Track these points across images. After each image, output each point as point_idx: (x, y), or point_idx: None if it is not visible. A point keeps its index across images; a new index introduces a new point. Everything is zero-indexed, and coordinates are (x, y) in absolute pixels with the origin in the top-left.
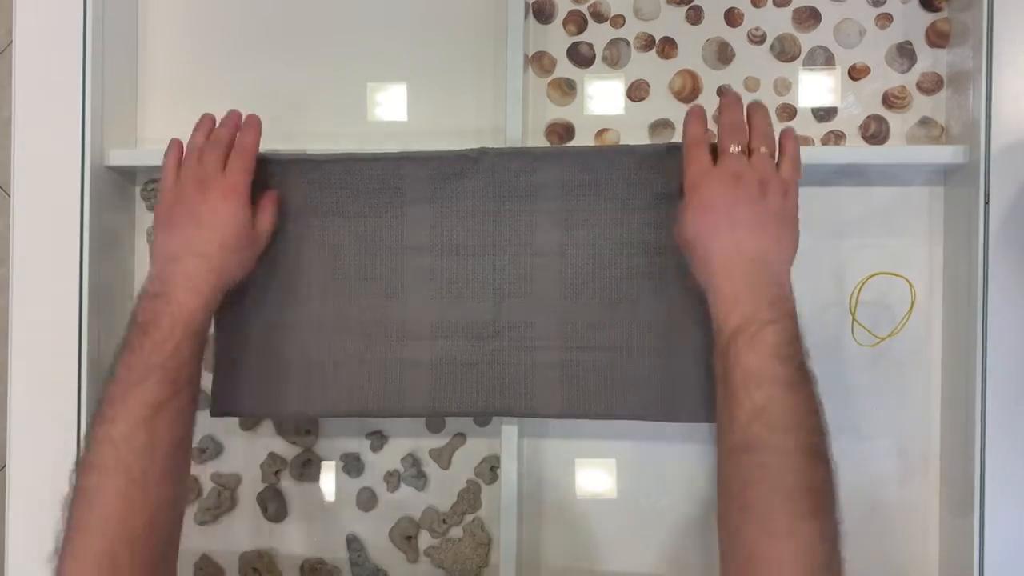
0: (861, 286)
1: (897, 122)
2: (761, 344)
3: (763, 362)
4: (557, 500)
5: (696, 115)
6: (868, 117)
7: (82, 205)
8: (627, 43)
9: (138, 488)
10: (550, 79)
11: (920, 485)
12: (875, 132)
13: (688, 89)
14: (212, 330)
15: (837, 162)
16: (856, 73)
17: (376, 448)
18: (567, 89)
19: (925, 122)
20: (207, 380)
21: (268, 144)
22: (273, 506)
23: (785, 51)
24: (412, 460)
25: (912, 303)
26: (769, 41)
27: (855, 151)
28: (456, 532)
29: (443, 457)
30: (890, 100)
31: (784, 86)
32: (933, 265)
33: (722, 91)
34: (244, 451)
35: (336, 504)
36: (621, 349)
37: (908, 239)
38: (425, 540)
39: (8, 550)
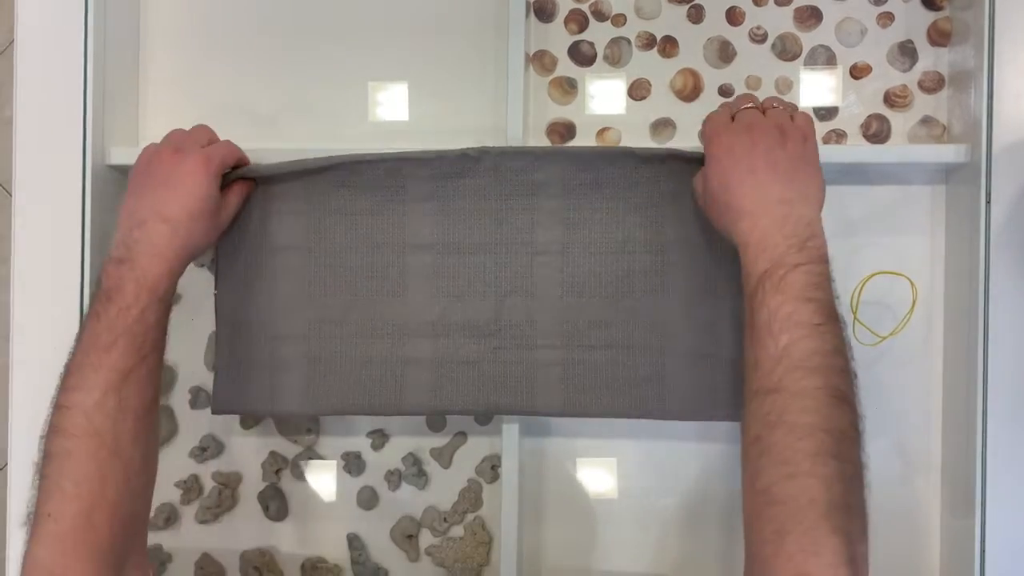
0: (862, 285)
1: (899, 121)
2: (788, 286)
3: (789, 304)
4: (558, 499)
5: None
6: (869, 116)
7: (83, 203)
8: (628, 42)
9: (109, 451)
10: (551, 78)
11: (921, 485)
12: (876, 131)
13: (689, 88)
14: (213, 328)
15: (838, 161)
16: (857, 72)
17: (377, 447)
18: (568, 88)
19: (926, 121)
20: (208, 379)
21: (269, 143)
22: (274, 505)
23: (786, 50)
24: (413, 459)
25: (913, 302)
26: (770, 40)
27: (856, 150)
28: (457, 531)
29: (444, 456)
30: (891, 99)
31: (785, 85)
32: (935, 264)
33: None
34: (245, 450)
35: (337, 503)
36: (622, 347)
37: (910, 238)
38: (426, 539)
39: (9, 550)
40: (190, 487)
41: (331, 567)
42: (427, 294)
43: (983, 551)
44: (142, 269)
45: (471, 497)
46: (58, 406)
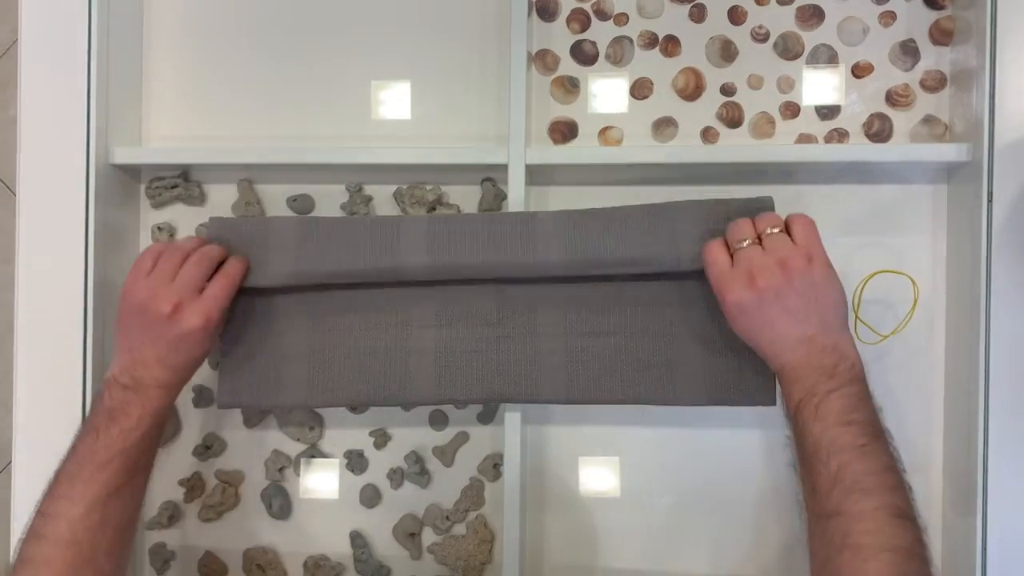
0: (864, 284)
1: (900, 120)
2: (825, 414)
3: (831, 431)
4: (560, 496)
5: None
6: (871, 115)
7: (87, 203)
8: (630, 41)
9: (86, 562)
10: (553, 77)
11: (923, 483)
12: (878, 130)
13: (691, 87)
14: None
15: (840, 160)
16: (859, 71)
17: (380, 445)
18: (570, 87)
19: (928, 120)
20: (211, 377)
21: (271, 142)
22: (277, 503)
23: (788, 49)
24: (416, 457)
25: (915, 301)
26: (772, 39)
27: (858, 149)
28: (459, 529)
29: (446, 454)
30: (893, 98)
31: (787, 84)
32: (936, 263)
33: None
34: (248, 448)
35: (340, 501)
36: (624, 334)
37: (911, 237)
38: (429, 537)
39: (14, 545)
40: (193, 485)
41: (334, 565)
42: (429, 284)
43: (984, 549)
44: (148, 399)
45: (473, 495)
46: (43, 513)
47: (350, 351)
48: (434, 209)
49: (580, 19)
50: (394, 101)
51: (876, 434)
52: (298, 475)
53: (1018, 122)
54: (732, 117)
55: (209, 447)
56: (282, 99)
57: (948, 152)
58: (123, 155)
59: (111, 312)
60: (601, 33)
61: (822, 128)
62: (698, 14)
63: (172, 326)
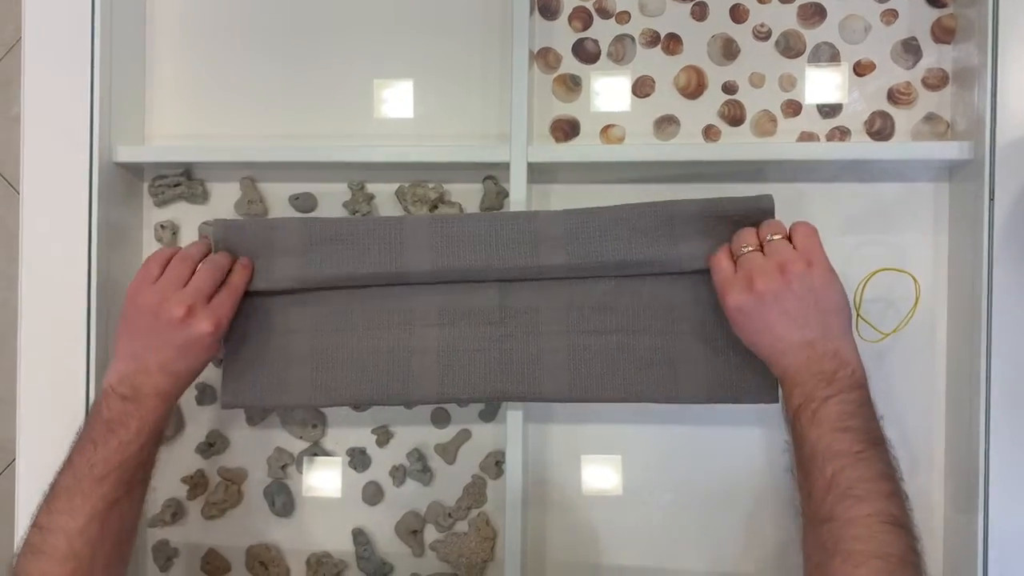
0: (866, 282)
1: (902, 118)
2: (823, 419)
3: (827, 436)
4: (562, 494)
5: (723, 247)
6: (873, 113)
7: (90, 201)
8: (632, 39)
9: (85, 575)
10: (555, 75)
11: (924, 480)
12: (880, 128)
13: (693, 85)
14: None
15: (842, 158)
16: (861, 69)
17: (382, 443)
18: (572, 85)
19: (930, 118)
20: (214, 376)
21: (273, 140)
22: (280, 500)
23: (790, 47)
24: (418, 455)
25: (917, 299)
26: (774, 37)
27: (860, 147)
28: (462, 526)
29: (449, 452)
30: (895, 96)
31: (789, 82)
32: (938, 261)
33: None
34: (251, 445)
35: (342, 498)
36: (627, 332)
37: (913, 235)
38: (431, 534)
39: (18, 543)
40: (196, 482)
41: (336, 562)
42: (432, 284)
43: (986, 546)
44: (147, 409)
45: (475, 493)
46: (40, 526)
47: (353, 351)
48: (436, 207)
49: (582, 17)
50: (396, 99)
51: (873, 441)
52: (301, 473)
53: (1020, 120)
54: (734, 115)
55: (212, 444)
56: (284, 98)
57: (950, 150)
58: (126, 153)
59: (114, 310)
60: (603, 31)
61: (824, 126)
62: (700, 12)
63: (183, 330)
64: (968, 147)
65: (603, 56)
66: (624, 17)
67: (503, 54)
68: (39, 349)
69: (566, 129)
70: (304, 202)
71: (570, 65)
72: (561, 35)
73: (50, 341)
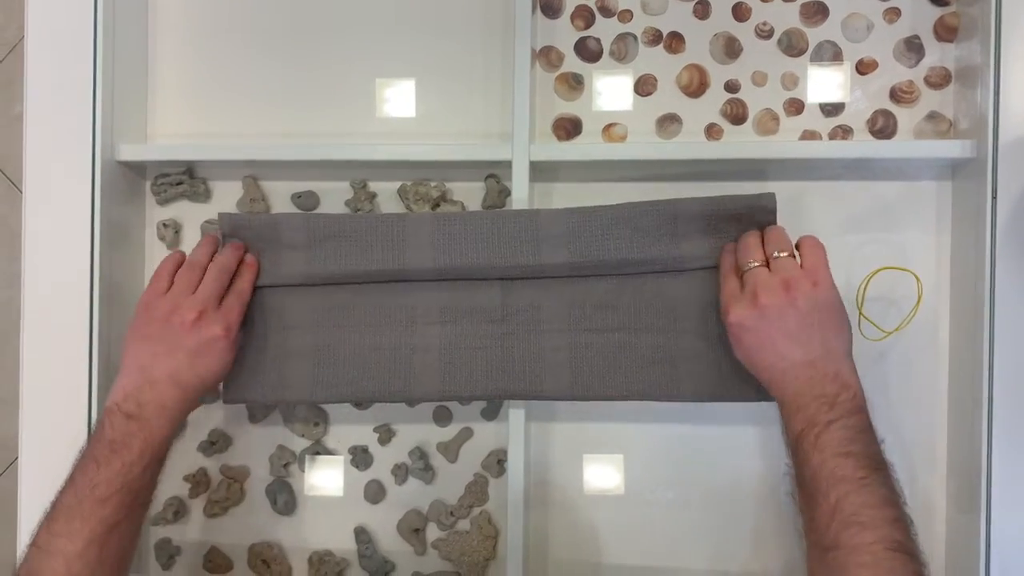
0: (868, 281)
1: (905, 117)
2: (825, 445)
3: (830, 462)
4: (564, 493)
5: (727, 249)
6: (876, 112)
7: (93, 200)
8: (635, 38)
9: None
10: (557, 74)
11: (926, 480)
12: (883, 127)
13: (696, 84)
14: None
15: (845, 157)
16: (864, 68)
17: (384, 441)
18: (574, 84)
19: (933, 117)
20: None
21: (276, 139)
22: (282, 498)
23: (793, 46)
24: (420, 453)
25: (919, 298)
26: (777, 36)
27: (863, 146)
28: (463, 525)
29: (451, 450)
30: (898, 95)
31: (792, 81)
32: (940, 260)
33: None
34: (253, 444)
35: (344, 497)
36: (628, 330)
37: (915, 234)
38: (433, 533)
39: (21, 541)
40: (198, 481)
41: (338, 560)
42: (434, 281)
43: (988, 546)
44: (151, 430)
45: (477, 491)
46: (38, 547)
47: (355, 347)
48: (438, 206)
49: (584, 16)
50: (398, 98)
51: (876, 466)
52: (303, 471)
53: (1022, 119)
54: (736, 114)
55: (214, 443)
56: (286, 96)
57: (952, 149)
58: (129, 152)
59: (117, 309)
60: (605, 30)
61: (826, 125)
62: (702, 11)
63: (195, 334)
64: (971, 145)
65: (605, 55)
66: (626, 16)
67: (505, 53)
68: (41, 348)
69: (568, 127)
70: (306, 200)
71: (572, 64)
72: (563, 34)
73: (52, 340)
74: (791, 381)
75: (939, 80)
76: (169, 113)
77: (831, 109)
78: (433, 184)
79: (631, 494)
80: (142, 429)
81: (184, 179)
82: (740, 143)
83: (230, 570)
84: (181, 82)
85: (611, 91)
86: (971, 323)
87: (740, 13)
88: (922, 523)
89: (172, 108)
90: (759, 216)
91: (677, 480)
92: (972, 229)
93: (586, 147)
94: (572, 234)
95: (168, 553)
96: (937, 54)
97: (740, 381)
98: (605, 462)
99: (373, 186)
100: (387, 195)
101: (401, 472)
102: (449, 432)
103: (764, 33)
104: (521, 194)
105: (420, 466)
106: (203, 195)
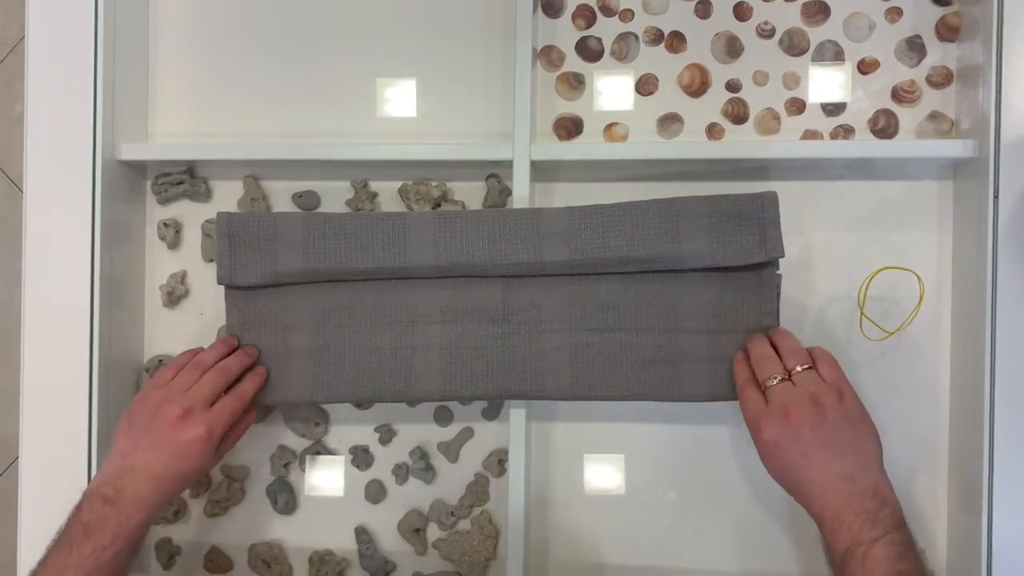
0: (870, 280)
1: (906, 116)
2: (873, 564)
3: None
4: (565, 493)
5: (739, 360)
6: (877, 111)
7: (94, 199)
8: (636, 37)
9: None
10: (558, 73)
11: (928, 480)
12: (884, 126)
13: (697, 83)
14: (223, 322)
15: (846, 156)
16: (865, 67)
17: (385, 441)
18: (575, 83)
19: (934, 116)
20: None
21: (276, 139)
22: (282, 498)
23: (794, 45)
24: (421, 453)
25: (921, 297)
26: (778, 35)
27: (864, 145)
28: (464, 525)
29: (451, 450)
30: (899, 94)
31: (793, 80)
32: (942, 259)
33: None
34: (253, 443)
35: (345, 496)
36: (629, 330)
37: (917, 233)
38: (433, 532)
39: (21, 541)
40: (199, 480)
41: (339, 560)
42: (435, 281)
43: (990, 546)
44: (126, 516)
45: (478, 491)
46: None
47: (355, 347)
48: (439, 205)
49: (585, 15)
50: (399, 98)
51: None
52: (303, 471)
53: None
54: (737, 113)
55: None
56: (287, 96)
57: (954, 148)
58: (129, 151)
59: (118, 307)
60: (606, 29)
61: (827, 124)
62: (703, 10)
63: (176, 431)
64: (972, 145)
65: (606, 54)
66: (627, 15)
67: (506, 52)
68: (42, 347)
69: (569, 127)
70: (307, 200)
71: (573, 63)
72: (564, 33)
73: (53, 339)
74: (831, 497)
75: (941, 80)
76: (170, 112)
77: (832, 109)
78: (434, 184)
79: (632, 494)
80: (117, 514)
81: (185, 178)
82: (741, 143)
83: (230, 570)
84: (182, 81)
85: (612, 91)
86: (973, 323)
87: (741, 12)
88: (923, 523)
89: (173, 107)
90: (757, 215)
91: (678, 480)
92: (974, 229)
93: (587, 147)
94: (573, 232)
95: (168, 553)
96: (939, 54)
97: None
98: (606, 462)
99: (374, 186)
100: (388, 195)
101: (402, 472)
102: (450, 432)
103: (765, 33)
104: (522, 193)
105: (421, 466)
106: (204, 194)
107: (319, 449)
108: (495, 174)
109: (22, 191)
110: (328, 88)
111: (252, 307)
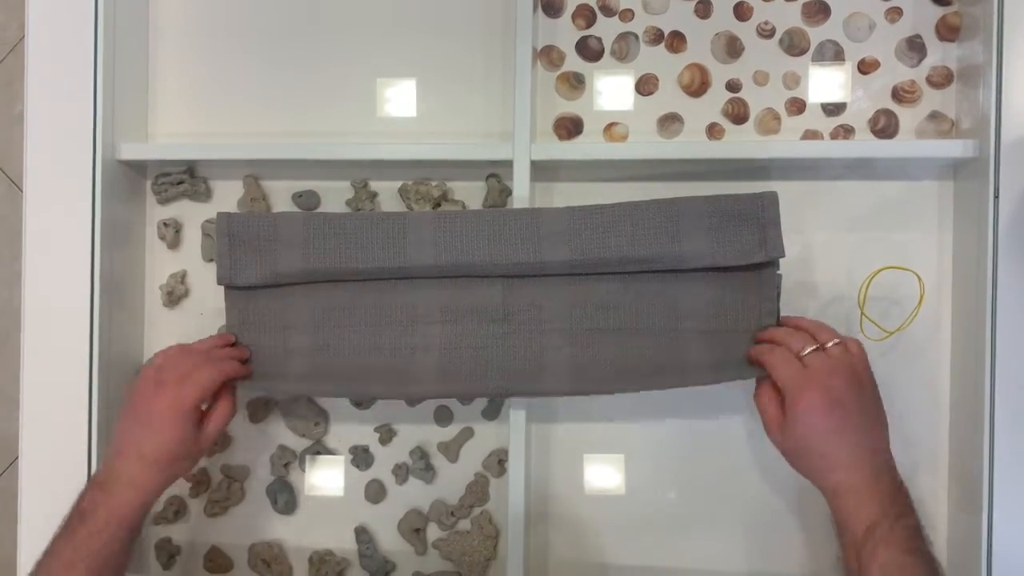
0: (870, 280)
1: (907, 116)
2: (895, 540)
3: (899, 558)
4: (565, 493)
5: (762, 338)
6: (877, 111)
7: (94, 199)
8: (636, 37)
9: None
10: (559, 73)
11: (928, 480)
12: (884, 126)
13: (697, 83)
14: (223, 322)
15: (846, 156)
16: (865, 67)
17: (385, 441)
18: (576, 83)
19: (935, 116)
20: None
21: (276, 138)
22: (282, 498)
23: (794, 45)
24: (421, 453)
25: (921, 297)
26: (778, 35)
27: (864, 145)
28: (464, 525)
29: (451, 450)
30: (900, 94)
31: (793, 80)
32: (942, 259)
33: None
34: (253, 443)
35: (345, 496)
36: (630, 330)
37: (917, 233)
38: (433, 532)
39: (21, 541)
40: (199, 480)
41: (339, 560)
42: (435, 280)
43: (990, 546)
44: (116, 499)
45: (478, 491)
46: None
47: (355, 346)
48: (439, 205)
49: (585, 15)
50: (399, 98)
51: (931, 562)
52: (303, 470)
53: None
54: (737, 113)
55: (215, 443)
56: (288, 96)
57: (954, 148)
58: (129, 151)
59: (118, 307)
60: (606, 29)
61: (828, 124)
62: (704, 10)
63: (149, 403)
64: (972, 145)
65: (606, 54)
66: (628, 15)
67: (506, 52)
68: (42, 347)
69: (569, 127)
70: (307, 200)
71: (573, 63)
72: (564, 33)
73: (53, 339)
74: (860, 468)
75: (941, 80)
76: (170, 112)
77: (833, 108)
78: (434, 183)
79: (632, 494)
80: (108, 498)
81: (185, 178)
82: (741, 143)
83: (230, 570)
84: (182, 81)
85: (612, 90)
86: (973, 323)
87: (741, 12)
88: (924, 522)
89: (173, 107)
90: (758, 214)
91: (678, 480)
92: (974, 229)
93: (587, 146)
94: (573, 231)
95: (168, 553)
96: (939, 53)
97: (740, 360)
98: (606, 462)
99: (374, 185)
100: (388, 194)
101: (402, 472)
102: (450, 432)
103: (766, 32)
104: (522, 193)
105: (421, 466)
106: (204, 194)
107: (319, 449)
108: (495, 174)
109: (22, 191)
110: (328, 88)
111: (252, 307)
